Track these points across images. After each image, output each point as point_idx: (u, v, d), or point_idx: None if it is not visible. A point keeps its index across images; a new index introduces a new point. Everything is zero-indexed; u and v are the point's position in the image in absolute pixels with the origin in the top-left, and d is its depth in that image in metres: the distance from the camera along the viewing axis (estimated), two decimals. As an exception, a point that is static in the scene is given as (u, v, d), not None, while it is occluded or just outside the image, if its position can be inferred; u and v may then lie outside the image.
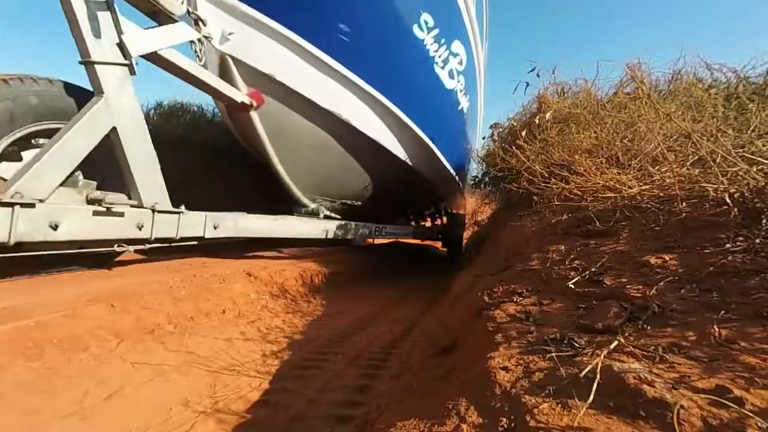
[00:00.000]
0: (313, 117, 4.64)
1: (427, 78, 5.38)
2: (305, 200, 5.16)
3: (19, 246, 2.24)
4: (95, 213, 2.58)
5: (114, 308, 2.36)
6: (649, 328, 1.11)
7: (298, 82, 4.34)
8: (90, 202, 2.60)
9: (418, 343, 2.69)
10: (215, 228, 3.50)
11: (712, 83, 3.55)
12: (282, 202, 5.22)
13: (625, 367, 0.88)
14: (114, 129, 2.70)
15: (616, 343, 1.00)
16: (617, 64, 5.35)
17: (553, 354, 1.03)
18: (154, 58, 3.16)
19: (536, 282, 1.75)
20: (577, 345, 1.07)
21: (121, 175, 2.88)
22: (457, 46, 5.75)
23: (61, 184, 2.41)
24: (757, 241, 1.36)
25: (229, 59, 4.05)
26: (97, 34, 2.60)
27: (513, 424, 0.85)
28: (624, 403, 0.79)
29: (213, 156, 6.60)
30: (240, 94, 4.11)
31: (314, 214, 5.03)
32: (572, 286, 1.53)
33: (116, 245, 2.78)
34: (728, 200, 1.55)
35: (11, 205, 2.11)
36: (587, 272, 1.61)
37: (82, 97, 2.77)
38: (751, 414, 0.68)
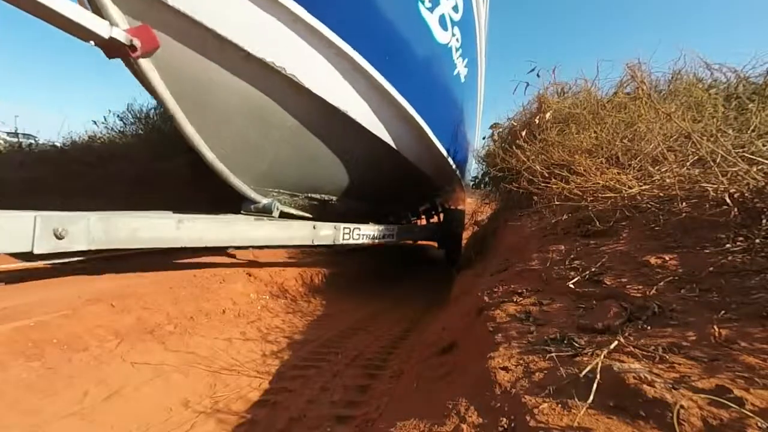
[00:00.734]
0: (239, 69, 3.00)
1: (410, 20, 3.88)
2: (251, 193, 3.80)
3: None
4: None
5: (114, 308, 2.36)
6: (649, 328, 1.11)
7: (208, 13, 2.70)
8: None
9: (418, 343, 2.69)
10: (59, 238, 2.14)
11: (712, 83, 3.55)
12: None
13: (625, 367, 0.88)
14: None
15: (616, 343, 1.01)
16: (617, 64, 5.34)
17: (553, 354, 1.03)
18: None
19: (536, 282, 1.75)
20: (577, 345, 1.07)
21: None
22: None
23: None
24: (757, 241, 1.36)
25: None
26: None
27: (513, 424, 0.85)
28: (624, 403, 0.79)
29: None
30: (111, 28, 2.46)
31: (265, 211, 3.84)
32: (572, 286, 1.53)
33: None
34: (728, 200, 1.54)
35: None
36: (587, 272, 1.61)
37: None
38: (751, 414, 0.68)
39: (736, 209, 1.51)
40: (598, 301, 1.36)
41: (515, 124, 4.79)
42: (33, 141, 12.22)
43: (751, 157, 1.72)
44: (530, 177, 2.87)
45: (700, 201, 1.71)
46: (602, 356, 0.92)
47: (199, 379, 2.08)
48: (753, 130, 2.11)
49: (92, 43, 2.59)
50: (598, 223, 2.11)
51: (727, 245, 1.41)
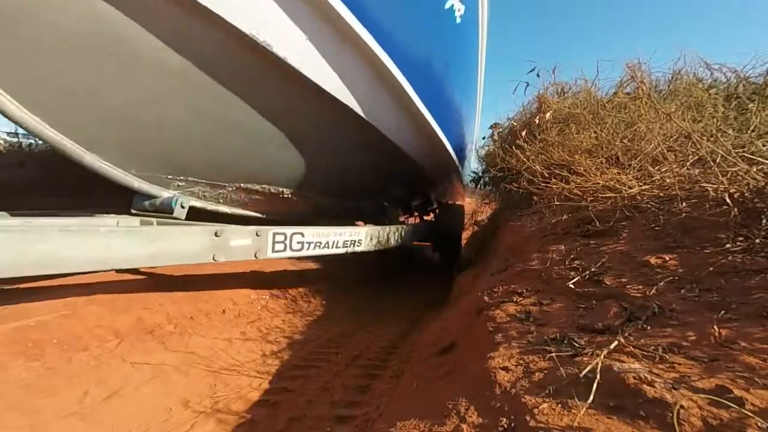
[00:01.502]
0: None
1: None
2: (136, 182, 2.57)
3: None
4: None
5: (114, 308, 2.36)
6: (649, 328, 1.11)
7: None
8: None
9: (418, 343, 2.69)
10: None
11: (712, 83, 3.55)
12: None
13: (625, 367, 0.88)
14: None
15: (616, 343, 1.00)
16: (617, 64, 5.33)
17: (553, 354, 1.03)
18: None
19: (536, 282, 1.75)
20: (577, 345, 1.07)
21: None
22: None
23: None
24: (757, 241, 1.36)
25: None
26: None
27: (513, 424, 0.85)
28: (624, 403, 0.79)
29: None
30: None
31: (163, 210, 2.64)
32: (572, 286, 1.53)
33: None
34: (728, 200, 1.54)
35: None
36: (587, 272, 1.61)
37: None
38: (751, 414, 0.68)
39: (736, 209, 1.51)
40: (598, 301, 1.36)
41: (515, 124, 4.78)
42: (33, 141, 12.20)
43: (751, 157, 1.72)
44: (530, 177, 2.87)
45: (700, 201, 1.71)
46: (602, 356, 0.92)
47: (199, 379, 2.08)
48: (753, 130, 2.11)
49: None
50: (598, 223, 2.11)
51: (727, 245, 1.41)
